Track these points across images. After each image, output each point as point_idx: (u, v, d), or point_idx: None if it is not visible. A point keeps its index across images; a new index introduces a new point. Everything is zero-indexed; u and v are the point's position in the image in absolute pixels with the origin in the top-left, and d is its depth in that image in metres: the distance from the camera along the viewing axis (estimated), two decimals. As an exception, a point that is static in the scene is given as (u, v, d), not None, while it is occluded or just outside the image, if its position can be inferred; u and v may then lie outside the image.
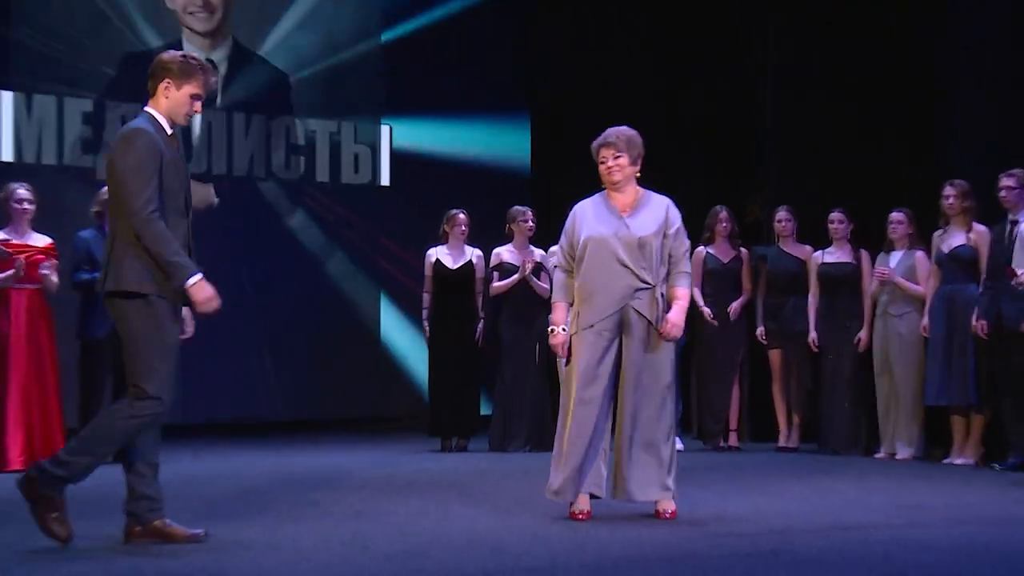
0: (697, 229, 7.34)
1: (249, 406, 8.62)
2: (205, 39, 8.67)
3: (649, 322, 4.20)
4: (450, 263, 7.30)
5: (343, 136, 8.95)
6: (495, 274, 7.38)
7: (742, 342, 7.45)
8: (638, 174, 4.39)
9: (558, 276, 4.40)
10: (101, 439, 3.57)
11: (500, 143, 9.62)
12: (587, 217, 4.31)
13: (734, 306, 7.27)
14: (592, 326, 4.21)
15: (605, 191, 4.41)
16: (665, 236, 4.27)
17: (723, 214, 7.51)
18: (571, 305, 4.29)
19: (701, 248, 7.46)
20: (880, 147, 7.60)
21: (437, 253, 7.36)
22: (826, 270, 7.13)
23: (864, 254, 7.15)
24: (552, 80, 9.48)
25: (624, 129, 4.41)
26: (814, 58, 7.96)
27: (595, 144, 4.41)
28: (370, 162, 9.06)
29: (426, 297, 7.25)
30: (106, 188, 3.76)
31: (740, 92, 8.61)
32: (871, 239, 7.06)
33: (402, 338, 8.92)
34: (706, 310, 7.24)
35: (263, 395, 8.66)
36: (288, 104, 8.87)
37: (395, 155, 9.19)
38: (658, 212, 4.33)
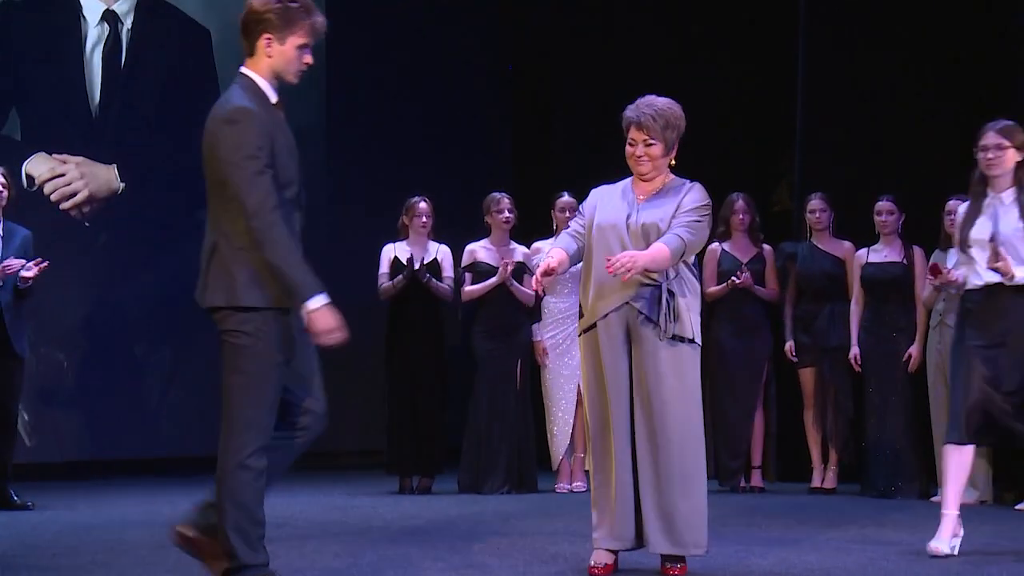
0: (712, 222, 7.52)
1: (157, 440, 8.78)
2: (101, -16, 8.79)
3: (659, 328, 4.27)
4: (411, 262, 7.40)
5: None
6: (467, 276, 7.44)
7: (766, 359, 7.50)
8: (673, 162, 4.45)
9: (562, 233, 4.53)
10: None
11: (473, 111, 9.73)
12: (603, 202, 4.44)
13: (745, 276, 7.28)
14: (594, 326, 4.31)
15: (632, 178, 4.49)
16: (677, 213, 4.36)
17: (740, 203, 7.56)
18: (569, 256, 4.39)
19: (715, 245, 7.53)
20: (936, 123, 7.62)
21: (395, 250, 7.45)
22: (871, 271, 7.18)
23: (918, 252, 7.19)
24: (536, 33, 9.55)
25: (663, 104, 4.40)
26: (855, 9, 8.00)
27: (626, 118, 4.44)
28: (315, 139, 9.15)
29: (387, 289, 7.31)
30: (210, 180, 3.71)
31: (762, 52, 8.61)
32: (926, 234, 7.08)
33: (350, 353, 8.95)
34: (736, 280, 7.28)
35: (178, 426, 8.81)
36: (211, 68, 8.92)
37: (339, 130, 9.31)
38: (675, 197, 4.39)
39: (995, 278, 4.77)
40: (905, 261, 7.16)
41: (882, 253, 7.24)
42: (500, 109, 9.96)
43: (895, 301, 7.11)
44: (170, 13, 8.88)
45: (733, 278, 7.36)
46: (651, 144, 4.37)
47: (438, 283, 7.37)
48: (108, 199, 8.72)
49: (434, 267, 7.38)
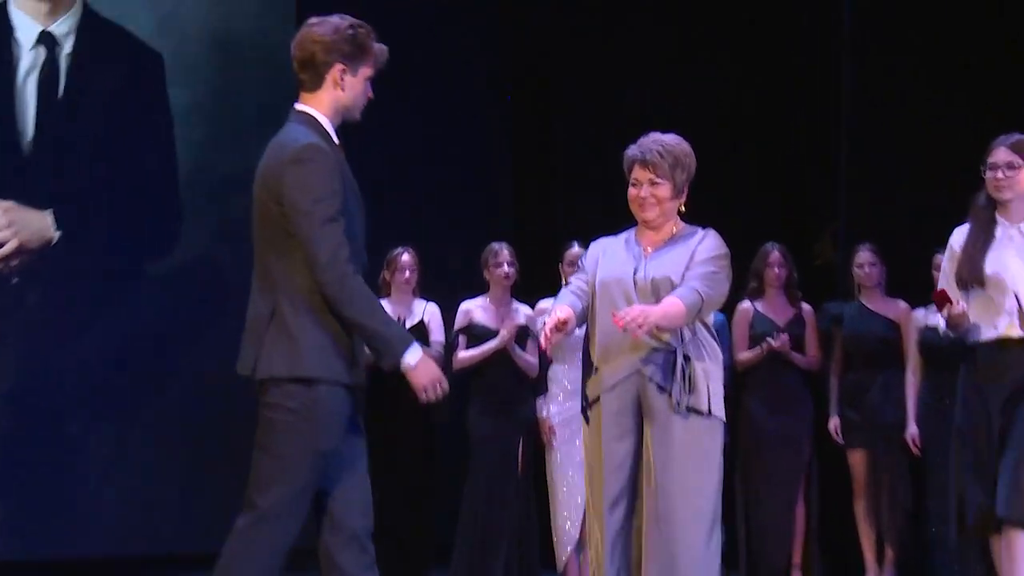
0: (741, 276, 7.50)
1: (96, 537, 8.66)
2: (40, 2, 8.70)
3: (672, 399, 4.30)
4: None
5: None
6: (462, 339, 7.38)
7: (808, 438, 7.38)
8: (683, 207, 4.50)
9: (563, 291, 4.65)
10: None
11: (467, 147, 9.72)
12: (605, 256, 4.51)
13: (782, 338, 7.29)
14: (598, 399, 4.34)
15: (637, 227, 4.55)
16: (691, 264, 4.42)
17: (775, 255, 7.52)
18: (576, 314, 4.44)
19: (746, 303, 7.52)
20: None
21: None
22: (930, 336, 6.93)
23: None
24: (538, 56, 9.58)
25: (671, 140, 4.45)
26: (908, 30, 7.95)
27: (629, 156, 4.49)
28: None
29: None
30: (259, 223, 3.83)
31: (798, 75, 8.60)
32: None
33: None
34: (772, 343, 7.28)
35: (122, 521, 8.64)
36: (163, 97, 8.88)
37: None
38: (688, 247, 4.43)
39: (1013, 327, 4.68)
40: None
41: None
42: (498, 144, 10.03)
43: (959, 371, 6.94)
44: (117, 35, 8.83)
45: (768, 341, 7.32)
46: (658, 184, 4.42)
47: (425, 348, 7.07)
48: (41, 250, 8.55)
49: (420, 330, 7.29)
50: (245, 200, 8.73)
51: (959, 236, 4.86)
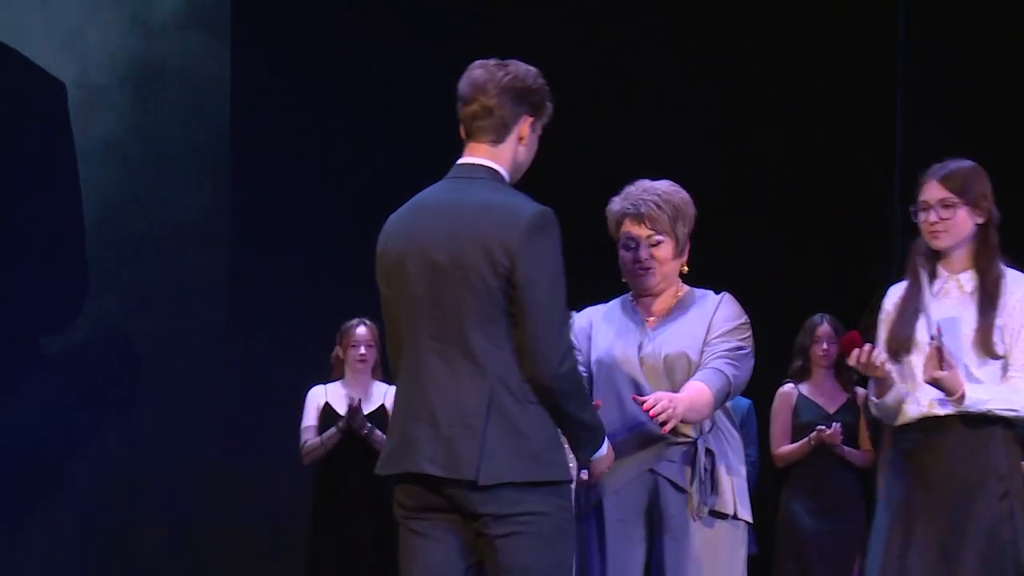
0: (781, 354, 7.42)
1: None
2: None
3: (689, 498, 4.34)
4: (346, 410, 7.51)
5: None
6: None
7: (859, 550, 7.18)
8: (685, 267, 4.50)
9: None
10: None
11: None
12: (599, 329, 4.51)
13: (832, 431, 7.32)
14: (599, 503, 4.36)
15: (627, 295, 4.55)
16: (708, 339, 4.45)
17: (824, 328, 7.55)
18: None
19: (789, 386, 7.61)
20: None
21: (326, 393, 7.56)
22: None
23: None
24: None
25: (666, 188, 4.45)
26: (962, 89, 8.17)
27: (616, 211, 4.47)
28: (211, 232, 9.13)
29: (312, 448, 7.50)
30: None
31: (848, 111, 8.81)
32: None
33: (262, 536, 9.02)
34: (822, 433, 7.32)
35: None
36: (65, 130, 8.96)
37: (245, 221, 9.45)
38: (702, 315, 4.43)
39: (935, 404, 4.41)
40: None
41: (1018, 399, 7.04)
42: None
43: None
44: (13, 61, 8.93)
45: (821, 429, 7.25)
46: (659, 240, 4.39)
47: (384, 437, 6.99)
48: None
49: (381, 417, 7.25)
50: (167, 262, 8.89)
51: (895, 294, 4.65)
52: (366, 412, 7.29)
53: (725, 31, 9.35)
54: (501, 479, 3.72)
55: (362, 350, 7.41)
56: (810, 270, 8.82)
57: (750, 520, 4.37)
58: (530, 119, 3.91)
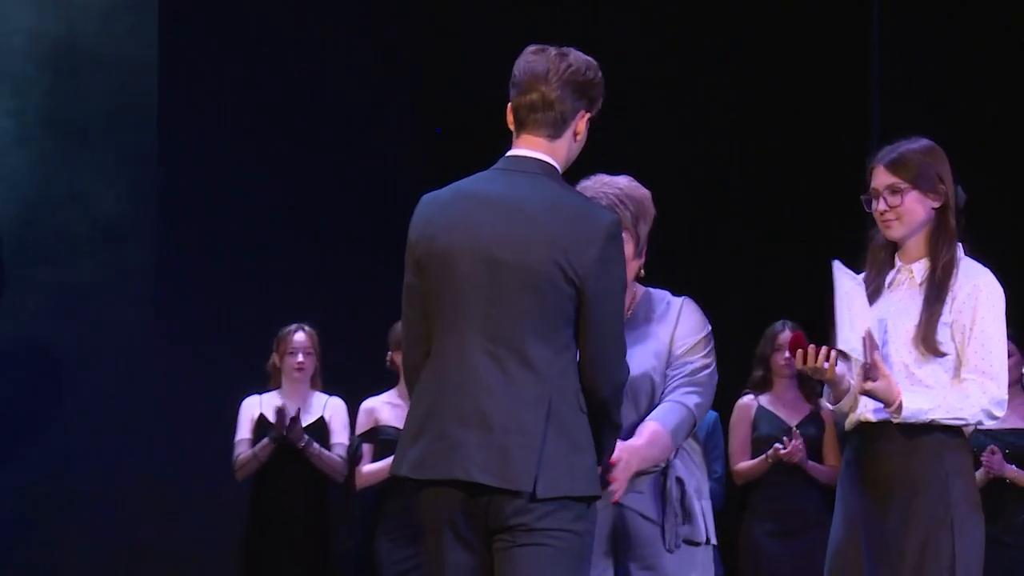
0: (742, 364, 7.56)
1: None
2: None
3: (661, 531, 4.35)
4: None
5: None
6: (367, 448, 7.41)
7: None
8: (642, 270, 4.53)
9: None
10: None
11: (383, 192, 9.64)
12: None
13: (794, 444, 7.36)
14: None
15: None
16: (672, 361, 4.45)
17: (786, 334, 7.59)
18: None
19: (748, 398, 7.68)
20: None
21: (261, 404, 7.58)
22: (984, 442, 7.16)
23: None
24: (477, 77, 9.43)
25: (626, 185, 4.49)
26: (949, 53, 8.39)
27: None
28: (142, 236, 9.02)
29: (245, 461, 7.47)
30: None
31: (822, 111, 8.89)
32: None
33: (191, 559, 8.95)
34: (781, 449, 7.37)
35: None
36: None
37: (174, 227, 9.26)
38: (663, 328, 4.45)
39: (868, 412, 4.45)
40: None
41: (1005, 418, 7.19)
42: (426, 187, 9.85)
43: (1015, 487, 7.17)
44: None
45: (777, 447, 7.36)
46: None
47: (324, 451, 7.35)
48: None
49: (320, 430, 7.42)
50: (88, 263, 8.86)
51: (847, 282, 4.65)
52: (304, 424, 7.35)
53: (687, 26, 9.43)
54: (558, 493, 3.76)
55: (300, 358, 7.46)
56: (777, 274, 8.82)
57: (716, 543, 4.43)
58: (587, 114, 4.00)
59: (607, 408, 3.88)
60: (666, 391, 4.38)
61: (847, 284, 4.48)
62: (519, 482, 3.74)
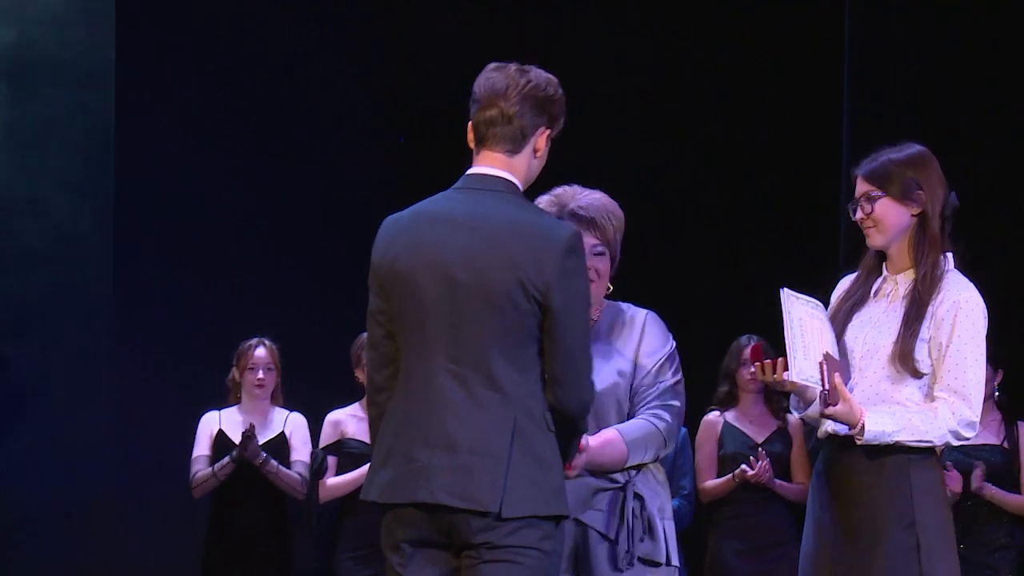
0: (709, 379, 7.54)
1: None
2: None
3: (619, 551, 4.35)
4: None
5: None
6: (331, 461, 7.43)
7: None
8: (610, 286, 4.55)
9: None
10: None
11: (354, 196, 9.59)
12: None
13: (761, 464, 7.32)
14: None
15: None
16: (637, 380, 4.47)
17: (754, 347, 7.56)
18: None
19: (714, 415, 7.65)
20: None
21: (220, 420, 7.56)
22: (955, 458, 7.12)
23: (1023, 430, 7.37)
24: (440, 84, 9.56)
25: (607, 200, 4.51)
26: (921, 57, 8.41)
27: (549, 208, 4.47)
28: (95, 246, 8.95)
29: (203, 479, 7.43)
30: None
31: (792, 119, 8.91)
32: None
33: None
34: (747, 470, 7.35)
35: None
36: None
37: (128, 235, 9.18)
38: (628, 341, 4.46)
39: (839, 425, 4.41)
40: (1005, 444, 7.28)
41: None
42: (388, 195, 9.74)
43: (992, 508, 7.18)
44: None
45: (744, 469, 7.34)
46: (601, 254, 4.46)
47: (282, 469, 7.31)
48: None
49: (280, 446, 7.40)
50: (45, 277, 8.72)
51: (841, 287, 4.67)
52: (264, 440, 7.32)
53: (653, 40, 9.44)
54: (524, 512, 3.78)
55: (261, 374, 7.44)
56: (744, 288, 8.58)
57: (679, 564, 4.43)
58: (547, 131, 4.01)
59: (576, 426, 3.90)
60: (636, 409, 4.40)
61: (800, 310, 4.42)
62: (485, 503, 3.75)
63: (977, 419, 4.39)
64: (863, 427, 4.28)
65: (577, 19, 9.60)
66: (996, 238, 7.87)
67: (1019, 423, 7.20)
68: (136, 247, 9.15)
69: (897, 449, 4.34)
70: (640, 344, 4.45)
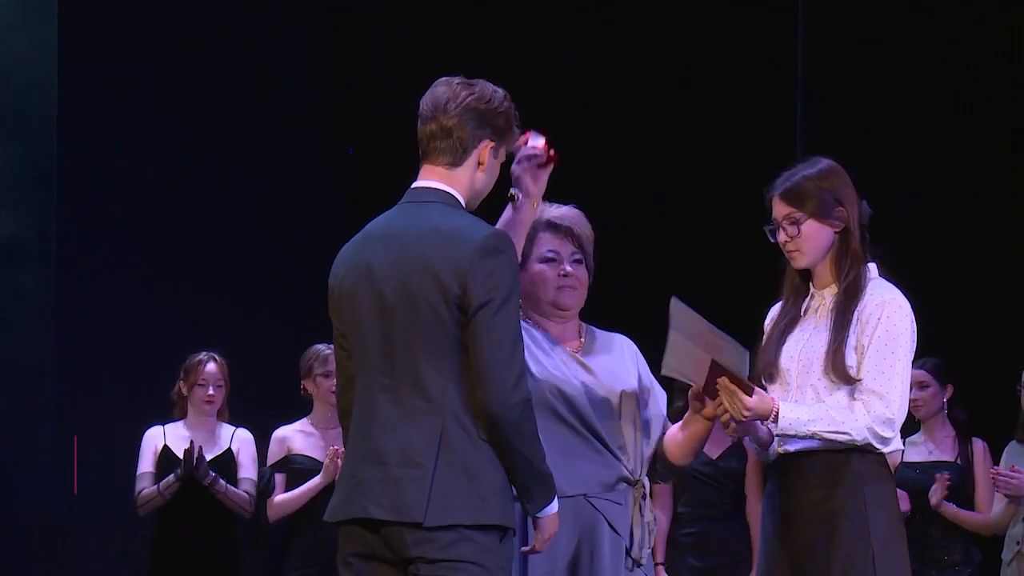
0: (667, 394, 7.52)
1: None
2: None
3: (631, 550, 4.40)
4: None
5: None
6: (279, 478, 7.45)
7: None
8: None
9: None
10: None
11: (302, 210, 9.63)
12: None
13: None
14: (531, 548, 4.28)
15: (522, 311, 4.51)
16: (644, 404, 4.54)
17: None
18: None
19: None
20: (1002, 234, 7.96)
21: (165, 435, 7.53)
22: (907, 475, 7.27)
23: (979, 446, 7.35)
24: (390, 94, 9.50)
25: (578, 213, 4.60)
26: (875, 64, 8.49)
27: (537, 221, 4.54)
28: (30, 256, 8.92)
29: (149, 497, 7.39)
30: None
31: (750, 129, 9.04)
32: (991, 418, 7.29)
33: None
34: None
35: None
36: None
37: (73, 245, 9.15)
38: (624, 356, 4.54)
39: (793, 442, 4.48)
40: (959, 460, 7.30)
41: (923, 447, 7.37)
42: (337, 209, 9.93)
43: (944, 522, 7.25)
44: None
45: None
46: (578, 257, 4.51)
47: (230, 488, 7.36)
48: None
49: (227, 463, 7.44)
50: None
51: (771, 316, 4.72)
52: (210, 457, 7.31)
53: (607, 51, 9.47)
54: (448, 521, 3.81)
55: (211, 390, 7.44)
56: (701, 304, 9.06)
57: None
58: (491, 143, 4.04)
59: (505, 432, 3.85)
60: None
61: (688, 320, 4.47)
62: (410, 513, 3.81)
63: (895, 417, 4.41)
64: (777, 414, 4.32)
65: (530, 32, 9.66)
66: (951, 251, 7.99)
67: (974, 440, 7.23)
68: (77, 259, 9.12)
69: (849, 463, 4.40)
70: (640, 362, 4.57)
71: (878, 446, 4.42)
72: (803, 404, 4.42)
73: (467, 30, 9.71)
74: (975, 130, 8.22)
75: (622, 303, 7.74)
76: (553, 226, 4.49)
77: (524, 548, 4.14)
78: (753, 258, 8.80)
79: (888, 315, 4.44)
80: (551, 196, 4.63)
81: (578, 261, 4.49)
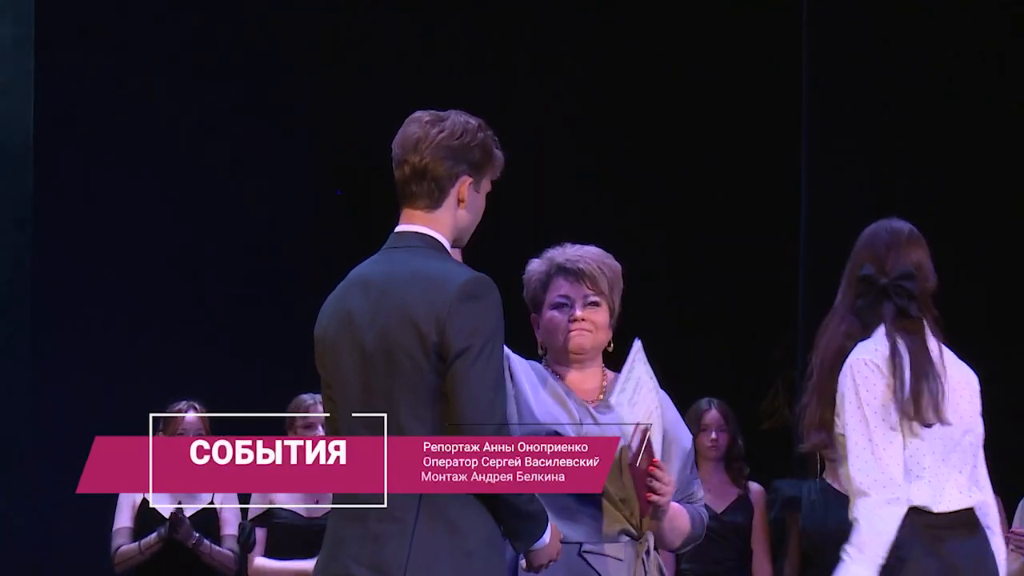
0: None
1: None
2: None
3: None
4: (169, 511, 7.40)
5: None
6: (259, 534, 7.43)
7: None
8: (611, 345, 4.62)
9: None
10: None
11: (292, 251, 9.66)
12: (524, 387, 4.50)
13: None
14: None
15: (544, 360, 4.60)
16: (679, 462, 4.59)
17: (713, 414, 7.71)
18: None
19: None
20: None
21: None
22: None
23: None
24: (380, 134, 9.84)
25: (600, 252, 4.62)
26: (866, 147, 8.40)
27: (539, 271, 4.58)
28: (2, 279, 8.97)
29: (128, 555, 7.44)
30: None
31: (750, 174, 9.09)
32: (1010, 468, 6.98)
33: None
34: None
35: None
36: None
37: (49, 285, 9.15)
38: (646, 409, 4.49)
39: None
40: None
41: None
42: (327, 250, 9.84)
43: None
44: None
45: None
46: (595, 304, 4.52)
47: (215, 548, 7.38)
48: None
49: (208, 519, 7.44)
50: None
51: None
52: (191, 513, 7.29)
53: (603, 88, 9.61)
54: None
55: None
56: (703, 348, 8.95)
57: None
58: (469, 179, 4.01)
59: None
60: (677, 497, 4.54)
61: (643, 370, 4.54)
62: (390, 572, 3.82)
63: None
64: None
65: (520, 72, 9.75)
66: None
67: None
68: (53, 306, 9.15)
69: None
70: (667, 414, 4.59)
71: None
72: None
73: (457, 72, 9.76)
74: (976, 130, 8.27)
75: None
76: (564, 270, 4.51)
77: (521, 564, 4.15)
78: (751, 322, 8.85)
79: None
80: (557, 223, 4.54)
81: (594, 304, 4.49)
